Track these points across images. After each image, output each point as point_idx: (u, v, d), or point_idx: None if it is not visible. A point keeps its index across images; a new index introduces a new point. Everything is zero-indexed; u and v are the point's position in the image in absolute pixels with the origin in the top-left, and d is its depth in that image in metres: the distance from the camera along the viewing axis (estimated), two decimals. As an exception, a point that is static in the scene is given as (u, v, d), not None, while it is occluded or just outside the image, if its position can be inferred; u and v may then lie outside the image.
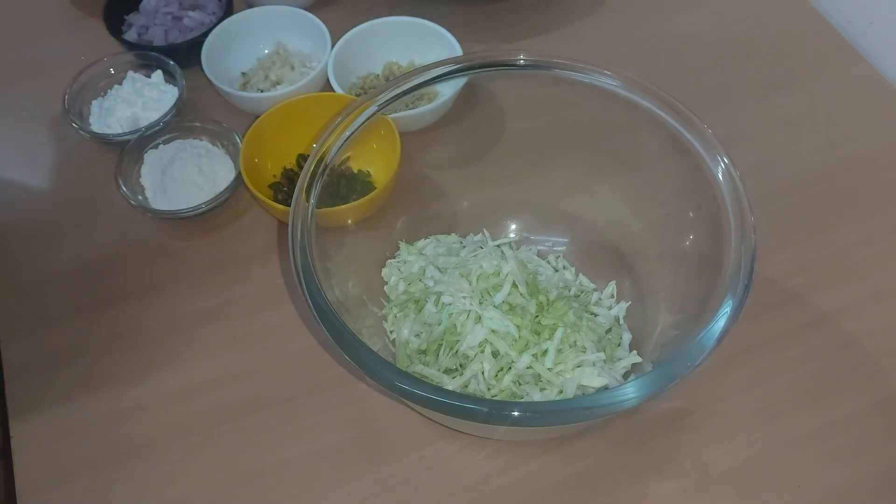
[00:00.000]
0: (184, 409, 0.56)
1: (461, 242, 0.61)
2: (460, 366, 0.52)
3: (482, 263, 0.55)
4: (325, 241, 0.52)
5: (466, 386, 0.51)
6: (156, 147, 0.68)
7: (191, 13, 0.77)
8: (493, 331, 0.52)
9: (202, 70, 0.71)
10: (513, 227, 0.62)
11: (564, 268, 0.61)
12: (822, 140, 0.69)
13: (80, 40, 0.79)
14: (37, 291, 0.63)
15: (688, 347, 0.45)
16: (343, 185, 0.60)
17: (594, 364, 0.51)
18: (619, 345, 0.55)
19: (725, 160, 0.50)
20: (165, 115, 0.69)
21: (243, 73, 0.75)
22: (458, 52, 0.70)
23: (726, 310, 0.45)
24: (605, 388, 0.50)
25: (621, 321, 0.57)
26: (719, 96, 0.72)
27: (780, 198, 0.65)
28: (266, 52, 0.76)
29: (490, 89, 0.60)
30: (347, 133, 0.54)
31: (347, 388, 0.56)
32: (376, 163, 0.63)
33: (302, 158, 0.67)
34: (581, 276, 0.60)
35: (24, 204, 0.69)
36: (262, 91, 0.73)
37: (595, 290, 0.59)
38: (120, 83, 0.73)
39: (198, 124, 0.69)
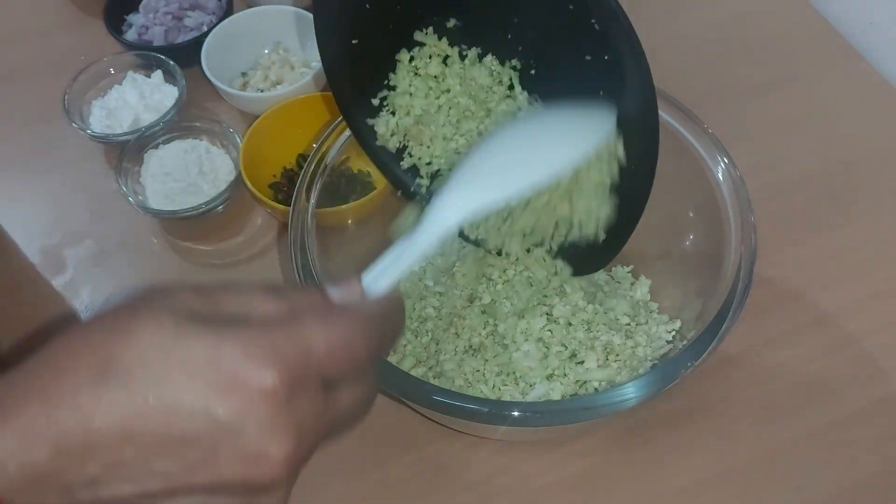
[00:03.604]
0: (184, 409, 0.56)
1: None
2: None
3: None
4: (325, 241, 0.52)
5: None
6: (156, 147, 0.68)
7: (191, 13, 0.77)
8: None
9: (202, 70, 0.71)
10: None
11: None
12: (822, 140, 0.69)
13: (80, 40, 0.79)
14: (36, 293, 0.63)
15: (688, 347, 0.45)
16: (343, 185, 0.60)
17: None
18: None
19: (725, 160, 0.50)
20: (165, 115, 0.69)
21: (243, 73, 0.75)
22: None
23: (726, 310, 0.45)
24: (609, 384, 0.50)
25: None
26: (719, 96, 0.72)
27: (780, 198, 0.65)
28: (266, 52, 0.76)
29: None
30: (347, 133, 0.54)
31: (347, 388, 0.56)
32: (376, 163, 0.63)
33: (302, 158, 0.67)
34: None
35: (25, 204, 0.69)
36: (262, 91, 0.73)
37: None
38: (120, 83, 0.73)
39: (198, 124, 0.69)
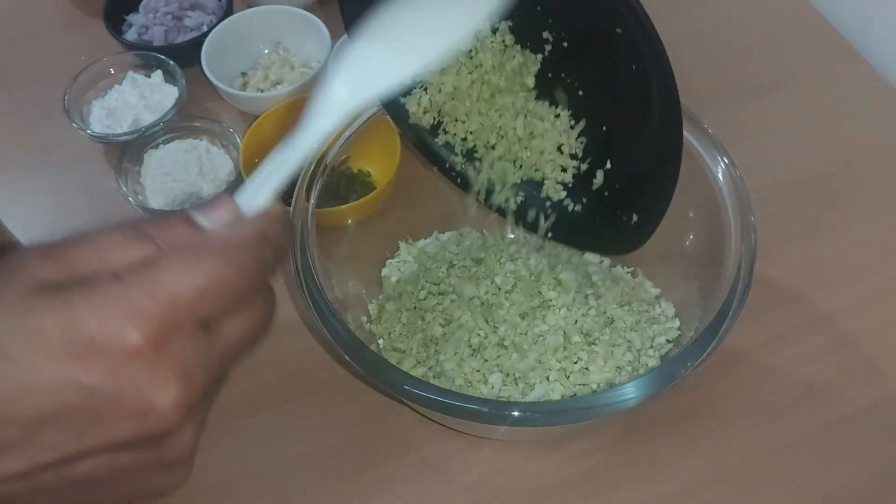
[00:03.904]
0: (184, 409, 0.56)
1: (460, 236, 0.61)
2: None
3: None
4: (325, 241, 0.52)
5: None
6: (156, 147, 0.68)
7: (191, 13, 0.77)
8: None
9: (202, 70, 0.71)
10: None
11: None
12: (822, 140, 0.69)
13: (80, 40, 0.79)
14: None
15: (688, 347, 0.45)
16: (343, 185, 0.60)
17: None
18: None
19: (725, 160, 0.50)
20: (165, 115, 0.69)
21: (243, 73, 0.75)
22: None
23: (726, 310, 0.45)
24: (609, 386, 0.50)
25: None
26: (719, 96, 0.72)
27: (780, 198, 0.65)
28: (266, 52, 0.76)
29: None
30: (347, 133, 0.54)
31: (347, 388, 0.56)
32: (376, 163, 0.63)
33: (302, 158, 0.67)
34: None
35: (25, 204, 0.69)
36: (262, 91, 0.73)
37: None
38: (120, 83, 0.72)
39: (198, 124, 0.69)
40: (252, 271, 0.29)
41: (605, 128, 0.49)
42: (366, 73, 0.35)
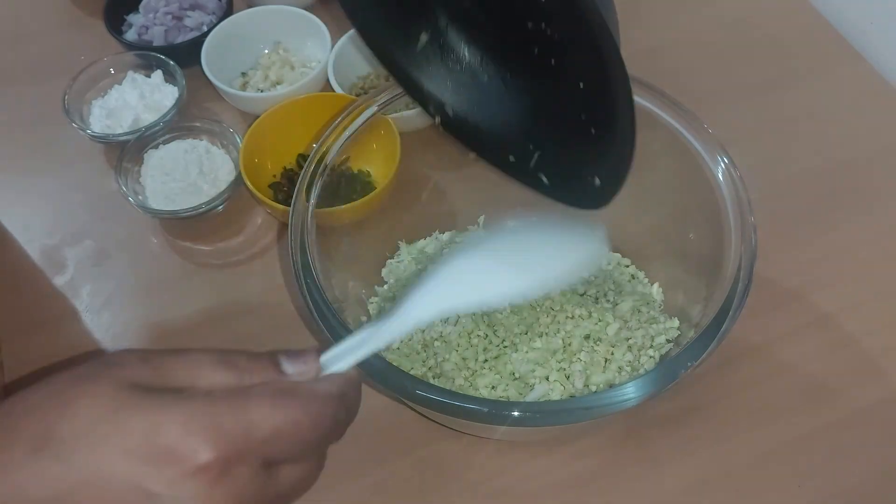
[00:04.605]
0: (184, 409, 0.56)
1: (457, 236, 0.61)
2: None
3: None
4: (325, 241, 0.52)
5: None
6: (156, 147, 0.68)
7: (191, 13, 0.77)
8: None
9: (202, 70, 0.71)
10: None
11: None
12: (822, 140, 0.69)
13: (80, 40, 0.79)
14: (36, 292, 0.63)
15: (688, 347, 0.45)
16: (343, 185, 0.60)
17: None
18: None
19: (725, 160, 0.50)
20: (165, 115, 0.69)
21: (243, 73, 0.75)
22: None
23: (726, 310, 0.45)
24: (609, 386, 0.50)
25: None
26: (719, 96, 0.72)
27: (780, 198, 0.65)
28: (266, 52, 0.76)
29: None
30: (347, 133, 0.54)
31: (347, 388, 0.56)
32: (376, 163, 0.63)
33: (302, 158, 0.67)
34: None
35: (24, 204, 0.69)
36: (262, 91, 0.73)
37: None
38: (120, 83, 0.72)
39: (198, 124, 0.69)
40: (325, 427, 0.30)
41: (581, 84, 0.50)
42: (464, 283, 0.37)
